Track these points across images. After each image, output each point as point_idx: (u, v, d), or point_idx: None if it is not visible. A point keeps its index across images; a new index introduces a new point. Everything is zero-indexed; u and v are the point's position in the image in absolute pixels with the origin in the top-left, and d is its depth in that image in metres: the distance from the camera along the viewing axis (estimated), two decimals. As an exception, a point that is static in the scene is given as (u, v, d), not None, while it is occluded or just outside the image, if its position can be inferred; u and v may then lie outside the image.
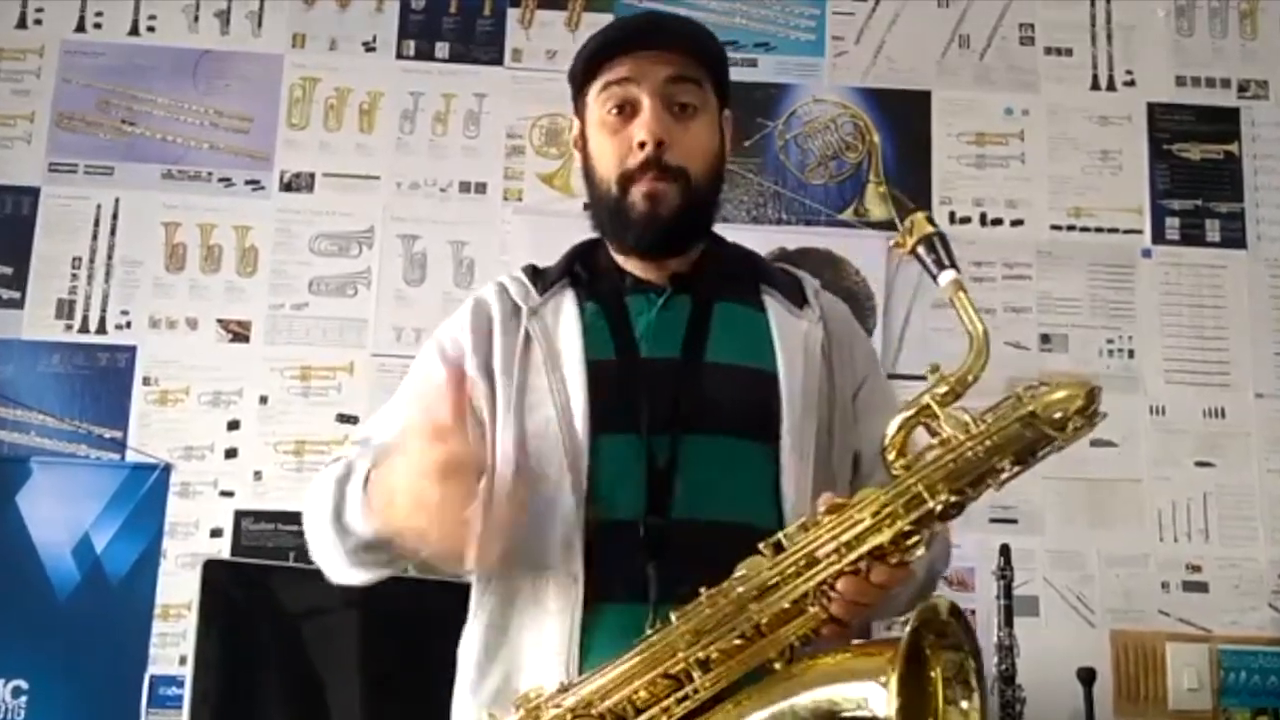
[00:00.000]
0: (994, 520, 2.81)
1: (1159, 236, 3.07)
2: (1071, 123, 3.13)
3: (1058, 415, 1.09)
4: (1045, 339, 2.99)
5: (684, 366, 1.35)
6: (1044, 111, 3.13)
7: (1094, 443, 2.81)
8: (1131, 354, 3.01)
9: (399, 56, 3.09)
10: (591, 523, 1.28)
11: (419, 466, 1.12)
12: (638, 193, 1.36)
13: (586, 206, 1.49)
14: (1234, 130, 3.12)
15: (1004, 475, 1.11)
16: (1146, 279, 3.05)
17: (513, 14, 3.12)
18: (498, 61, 3.10)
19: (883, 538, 1.11)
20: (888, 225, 3.00)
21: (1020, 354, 2.96)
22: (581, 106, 1.44)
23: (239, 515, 2.84)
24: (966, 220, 3.05)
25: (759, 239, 2.64)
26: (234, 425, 2.90)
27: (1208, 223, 3.08)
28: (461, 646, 1.36)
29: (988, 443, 1.10)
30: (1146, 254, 3.07)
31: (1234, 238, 3.07)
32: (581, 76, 1.42)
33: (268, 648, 2.37)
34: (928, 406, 1.13)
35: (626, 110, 1.37)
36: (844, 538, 1.12)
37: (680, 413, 1.32)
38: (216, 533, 2.83)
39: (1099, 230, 3.07)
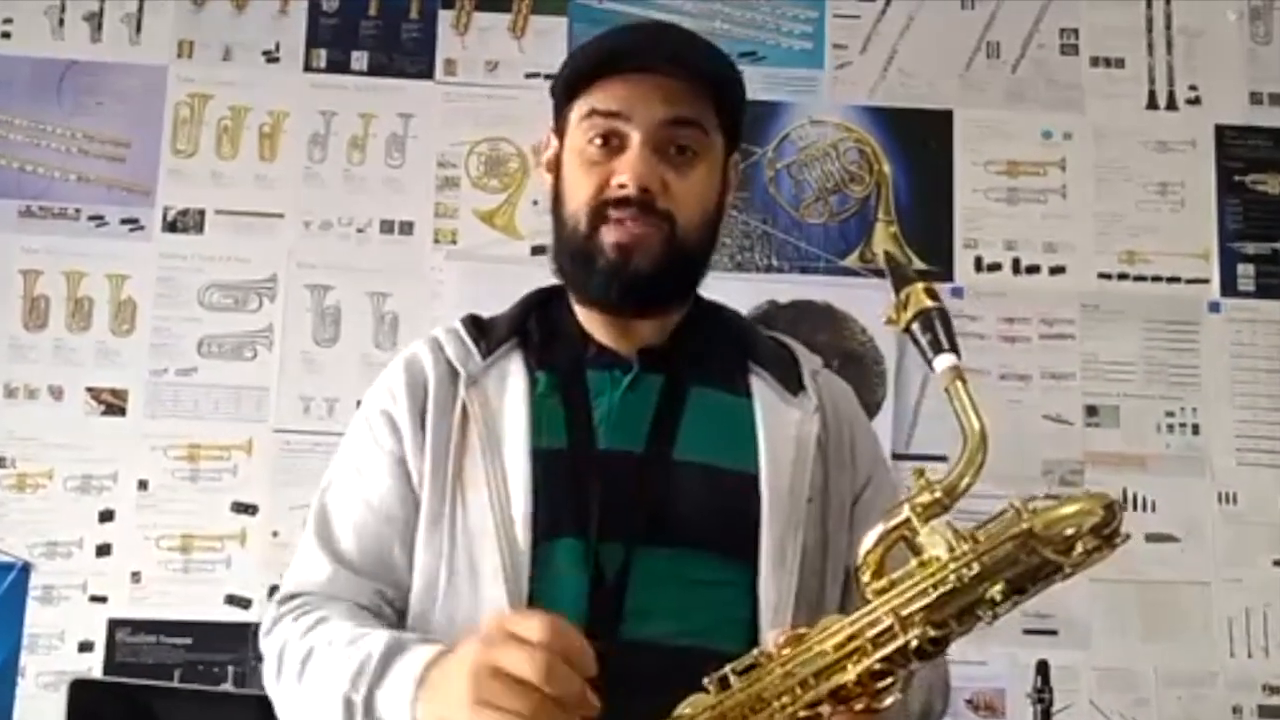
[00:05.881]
0: (1029, 631, 2.71)
1: (1229, 287, 2.97)
2: (1123, 149, 3.01)
3: (1067, 533, 1.05)
4: (1091, 411, 2.89)
5: (646, 463, 1.31)
6: (1090, 135, 3.02)
7: (1150, 537, 2.78)
8: (1196, 429, 2.90)
9: (307, 69, 2.99)
10: None
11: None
12: (608, 238, 1.32)
13: (538, 250, 1.42)
14: (1320, 159, 3.08)
15: (998, 607, 1.06)
16: (1214, 338, 2.95)
17: (445, 17, 3.00)
18: (427, 74, 2.99)
19: (846, 677, 1.07)
20: (900, 273, 2.89)
21: (1061, 430, 2.84)
22: (562, 125, 1.40)
23: (113, 625, 2.74)
24: (996, 267, 2.96)
25: (744, 289, 2.65)
26: (107, 516, 2.78)
27: (1288, 270, 3.03)
28: None
29: (975, 567, 1.05)
30: (1214, 308, 2.96)
31: (1320, 289, 3.04)
32: (564, 94, 1.38)
33: (146, 784, 2.31)
34: (907, 520, 1.09)
35: (613, 143, 1.33)
36: (800, 674, 1.09)
37: (637, 518, 1.29)
38: (86, 646, 2.73)
39: (1156, 279, 2.97)
